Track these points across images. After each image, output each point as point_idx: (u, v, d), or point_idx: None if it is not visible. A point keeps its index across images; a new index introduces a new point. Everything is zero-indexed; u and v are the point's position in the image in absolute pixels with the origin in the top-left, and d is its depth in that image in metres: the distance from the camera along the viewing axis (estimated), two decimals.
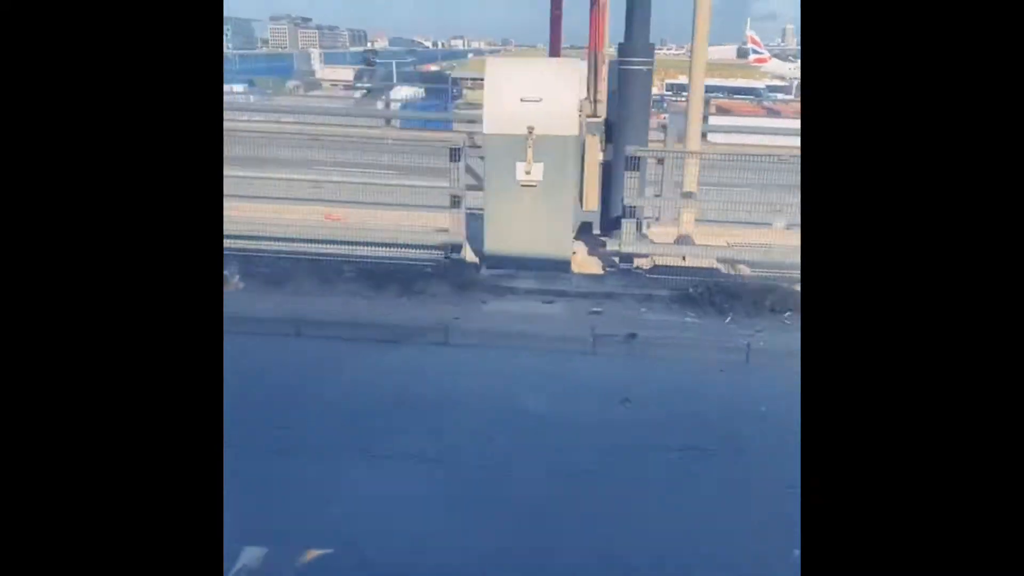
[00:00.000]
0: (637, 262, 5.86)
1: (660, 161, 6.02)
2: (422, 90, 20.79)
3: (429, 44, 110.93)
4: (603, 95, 6.46)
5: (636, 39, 6.01)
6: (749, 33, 50.74)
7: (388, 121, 12.91)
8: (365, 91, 21.64)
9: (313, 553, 2.62)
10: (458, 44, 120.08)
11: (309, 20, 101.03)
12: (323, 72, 30.72)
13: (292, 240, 5.95)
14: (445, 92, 19.91)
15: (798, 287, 4.54)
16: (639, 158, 5.60)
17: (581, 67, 6.06)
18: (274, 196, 6.12)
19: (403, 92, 20.39)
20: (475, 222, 5.88)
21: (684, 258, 5.83)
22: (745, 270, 5.78)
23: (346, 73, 31.67)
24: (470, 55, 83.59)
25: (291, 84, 26.96)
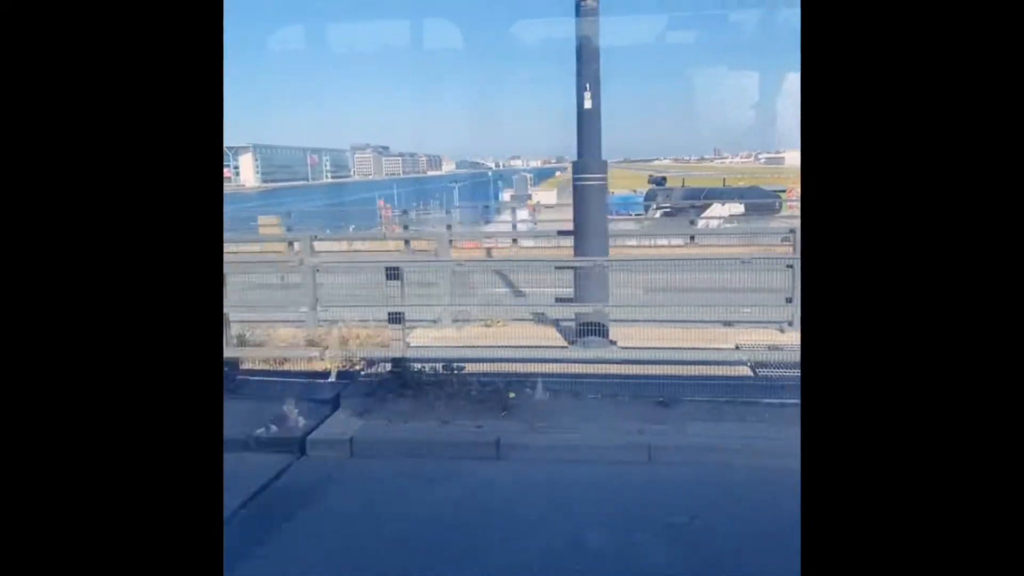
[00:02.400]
0: None
1: None
2: (742, 206, 20.42)
3: (492, 164, 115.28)
4: None
5: None
6: None
7: None
8: (667, 211, 21.32)
9: None
10: (517, 163, 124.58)
11: (387, 148, 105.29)
12: (535, 195, 30.93)
13: None
14: (769, 207, 19.61)
15: None
16: None
17: None
18: None
19: (721, 210, 20.06)
20: None
21: None
22: None
23: (549, 196, 31.88)
24: (558, 172, 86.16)
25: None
